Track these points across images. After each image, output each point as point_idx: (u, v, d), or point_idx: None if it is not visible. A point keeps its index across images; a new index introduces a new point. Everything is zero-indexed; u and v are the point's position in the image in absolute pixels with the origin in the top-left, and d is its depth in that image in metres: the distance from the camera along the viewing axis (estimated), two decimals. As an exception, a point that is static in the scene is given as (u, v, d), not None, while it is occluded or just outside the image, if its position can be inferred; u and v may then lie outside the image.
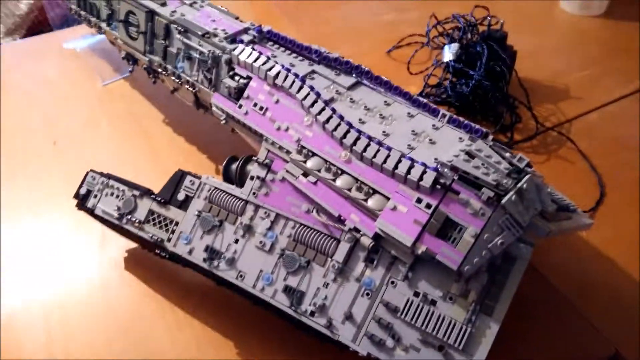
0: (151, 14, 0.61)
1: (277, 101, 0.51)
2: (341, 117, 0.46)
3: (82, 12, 0.72)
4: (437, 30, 0.92)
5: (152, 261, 0.60)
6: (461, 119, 0.46)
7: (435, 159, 0.42)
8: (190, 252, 0.50)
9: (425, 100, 0.48)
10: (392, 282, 0.43)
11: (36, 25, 1.62)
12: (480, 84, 0.73)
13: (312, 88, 0.48)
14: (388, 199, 0.43)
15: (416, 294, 0.42)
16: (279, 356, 0.51)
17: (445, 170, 0.41)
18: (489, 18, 0.79)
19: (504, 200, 0.39)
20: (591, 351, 0.52)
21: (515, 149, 0.73)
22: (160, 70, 0.63)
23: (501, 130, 0.76)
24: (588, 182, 0.69)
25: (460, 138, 0.45)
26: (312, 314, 0.44)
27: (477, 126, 0.45)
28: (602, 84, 0.87)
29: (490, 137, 0.44)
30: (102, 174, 0.57)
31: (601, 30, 1.00)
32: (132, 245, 0.62)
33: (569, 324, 0.54)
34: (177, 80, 0.61)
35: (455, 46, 0.78)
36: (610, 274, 0.59)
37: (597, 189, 0.68)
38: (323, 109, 0.47)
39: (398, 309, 0.42)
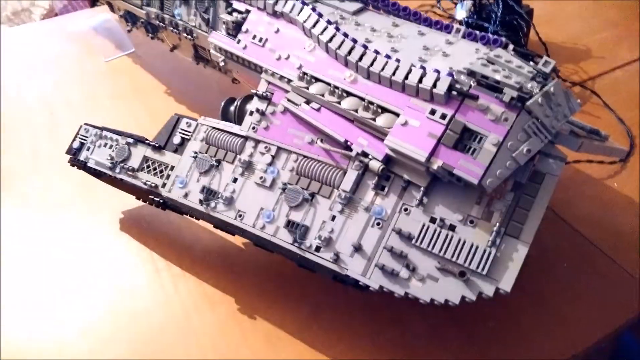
0: (148, -38, 0.58)
1: (277, 30, 0.47)
2: (345, 35, 0.42)
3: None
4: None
5: (149, 222, 0.57)
6: (477, 32, 0.42)
7: (450, 67, 0.38)
8: (185, 195, 0.46)
9: (437, 19, 0.44)
10: (406, 209, 0.38)
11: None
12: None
13: (314, 9, 0.45)
14: (398, 116, 0.39)
15: (432, 220, 0.37)
16: (283, 305, 0.47)
17: (462, 76, 0.37)
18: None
19: (529, 102, 0.34)
20: (627, 297, 0.47)
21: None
22: (158, 22, 0.60)
23: (520, 89, 0.71)
24: (617, 134, 0.64)
25: (477, 49, 0.40)
26: (318, 249, 0.40)
27: (495, 36, 0.41)
28: (624, 44, 0.82)
29: (511, 46, 0.40)
30: (96, 127, 0.54)
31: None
32: (128, 207, 0.58)
33: (604, 274, 0.49)
34: (175, 30, 0.58)
35: (468, 3, 0.74)
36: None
37: (626, 140, 0.63)
38: (325, 28, 0.43)
39: (412, 236, 0.37)
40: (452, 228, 0.37)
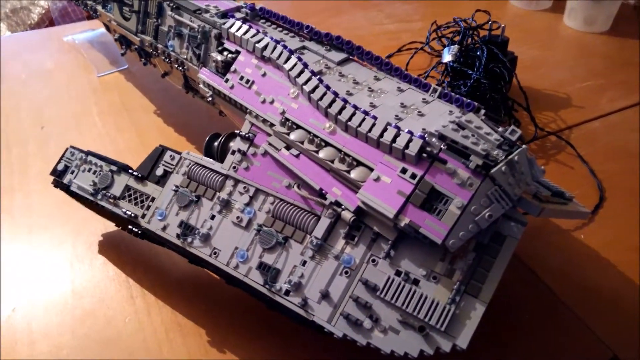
0: (144, -7, 0.60)
1: (264, 74, 0.49)
2: (327, 87, 0.44)
3: (79, -5, 0.71)
4: (437, 35, 0.91)
5: (128, 246, 0.58)
6: (453, 93, 0.44)
7: (423, 129, 0.40)
8: (164, 228, 0.48)
9: (416, 76, 0.46)
10: (373, 260, 0.40)
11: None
12: (479, 85, 0.72)
13: (299, 59, 0.46)
14: (372, 170, 0.40)
15: (398, 273, 0.39)
16: (252, 341, 0.48)
17: (433, 139, 0.39)
18: (490, 22, 0.78)
19: (493, 170, 0.36)
20: (589, 356, 0.49)
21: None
22: (151, 50, 0.62)
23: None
24: (587, 186, 0.66)
25: (451, 111, 0.43)
26: (287, 292, 0.41)
27: (469, 100, 0.43)
28: (604, 95, 0.85)
29: (482, 111, 0.42)
30: (81, 150, 0.55)
31: (604, 45, 0.99)
32: (109, 230, 0.59)
33: (567, 329, 0.51)
34: (167, 60, 0.60)
35: (454, 48, 0.77)
36: (609, 278, 0.55)
37: (596, 193, 0.65)
38: (309, 79, 0.45)
39: (377, 287, 0.39)
40: (415, 282, 0.38)
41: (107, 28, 0.75)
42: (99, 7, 0.68)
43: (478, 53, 0.74)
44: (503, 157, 0.37)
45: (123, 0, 0.63)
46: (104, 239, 0.59)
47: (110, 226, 0.59)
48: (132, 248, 0.58)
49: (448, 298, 0.37)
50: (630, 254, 0.57)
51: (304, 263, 0.42)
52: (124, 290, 0.54)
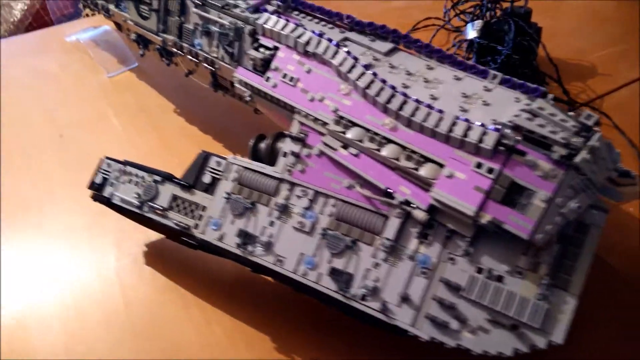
0: (164, -11, 0.57)
1: (309, 70, 0.47)
2: (384, 81, 0.42)
3: (88, -5, 0.68)
4: (455, 11, 0.88)
5: (174, 254, 0.56)
6: (514, 79, 0.42)
7: (494, 120, 0.39)
8: (220, 238, 0.46)
9: (472, 63, 0.44)
10: (451, 259, 0.39)
11: (34, 28, 1.59)
12: (509, 60, 0.70)
13: (348, 53, 0.44)
14: (442, 166, 0.39)
15: (479, 270, 0.38)
16: (325, 349, 0.47)
17: (507, 130, 0.37)
18: (512, -7, 0.76)
19: (577, 159, 0.35)
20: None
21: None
22: (175, 50, 0.59)
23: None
24: (627, 156, 0.66)
25: (517, 98, 0.41)
26: (364, 297, 0.40)
27: (535, 85, 0.41)
28: (626, 60, 0.83)
29: (551, 96, 0.40)
30: (118, 161, 0.53)
31: (617, 11, 0.97)
32: (152, 239, 0.58)
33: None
34: (195, 59, 0.57)
35: (478, 23, 0.75)
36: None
37: (636, 163, 0.65)
38: (363, 74, 0.43)
39: (461, 287, 0.38)
40: (499, 279, 0.37)
41: (119, 27, 0.71)
42: (112, 7, 0.65)
43: (505, 27, 0.72)
44: (583, 143, 0.36)
45: (140, -2, 0.60)
46: (148, 249, 0.57)
47: (152, 235, 0.57)
48: (178, 256, 0.56)
49: (537, 293, 0.36)
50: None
51: (377, 265, 0.41)
52: (178, 300, 0.52)
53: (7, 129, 0.75)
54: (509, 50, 0.70)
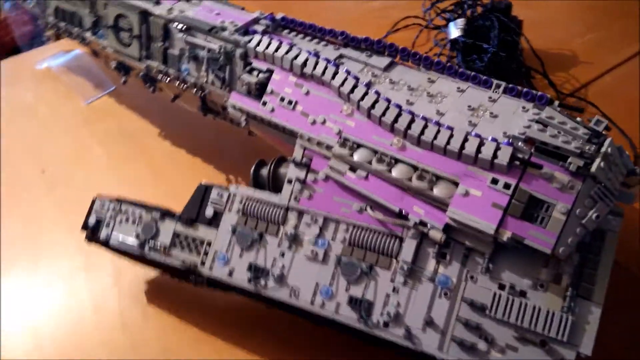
0: (145, 15, 0.55)
1: (308, 92, 0.45)
2: (388, 100, 0.41)
3: (61, 24, 0.64)
4: (434, 11, 0.88)
5: (176, 289, 0.54)
6: (518, 87, 0.42)
7: (504, 132, 0.38)
8: (230, 273, 0.45)
9: (473, 73, 0.44)
10: (472, 277, 0.38)
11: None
12: (496, 57, 0.70)
13: (348, 72, 0.43)
14: (455, 184, 0.38)
15: (501, 287, 0.37)
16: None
17: (520, 143, 0.37)
18: (490, -12, 0.76)
19: (593, 168, 0.35)
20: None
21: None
22: (160, 76, 0.57)
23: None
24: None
25: (524, 107, 0.40)
26: (386, 324, 0.39)
27: (540, 92, 0.41)
28: (606, 46, 0.84)
29: (557, 102, 0.40)
30: (111, 199, 0.51)
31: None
32: (152, 275, 0.56)
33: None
34: (182, 85, 0.55)
35: (461, 21, 0.74)
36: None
37: (630, 152, 0.65)
38: (366, 94, 0.42)
39: (485, 306, 0.37)
40: (523, 294, 0.37)
41: (95, 53, 0.68)
42: (88, 35, 0.62)
43: (487, 23, 0.72)
44: (596, 151, 0.35)
45: (118, 25, 0.57)
46: (149, 286, 0.55)
47: (150, 271, 0.55)
48: (181, 291, 0.54)
49: (562, 306, 0.36)
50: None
51: (396, 290, 0.40)
52: (186, 338, 0.51)
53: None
54: (495, 48, 0.69)
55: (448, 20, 0.78)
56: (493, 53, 0.69)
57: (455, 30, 0.75)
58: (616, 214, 0.37)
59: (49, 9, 0.66)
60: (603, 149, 0.36)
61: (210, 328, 0.51)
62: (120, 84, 0.81)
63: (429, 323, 0.38)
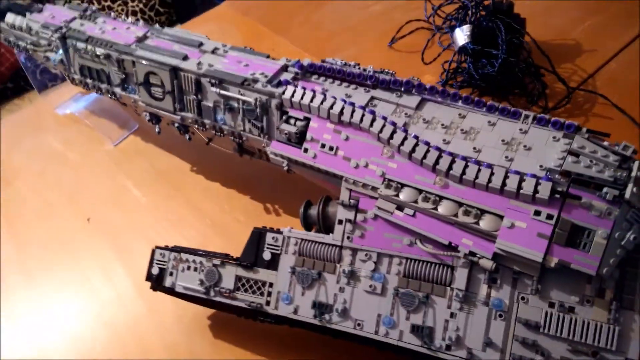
0: (175, 71, 0.57)
1: (347, 138, 0.48)
2: (427, 143, 0.44)
3: (89, 81, 0.67)
4: (438, 15, 0.90)
5: (239, 322, 0.58)
6: (546, 116, 0.45)
7: (541, 166, 0.41)
8: (295, 311, 0.49)
9: (500, 104, 0.47)
10: (523, 298, 0.42)
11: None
12: (505, 61, 0.72)
13: (384, 118, 0.46)
14: (500, 217, 0.42)
15: (551, 305, 0.41)
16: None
17: (557, 176, 0.40)
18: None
19: (627, 195, 0.38)
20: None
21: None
22: (196, 126, 0.60)
23: (530, 101, 0.76)
24: (631, 134, 0.69)
25: (554, 137, 0.44)
26: (449, 347, 0.43)
27: (568, 121, 0.44)
28: (607, 30, 0.87)
29: (584, 129, 0.43)
30: (168, 248, 0.55)
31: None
32: (209, 311, 0.59)
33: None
34: (219, 134, 0.58)
35: (467, 27, 0.77)
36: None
37: (637, 140, 0.68)
38: (405, 138, 0.45)
39: (538, 324, 0.41)
40: (571, 310, 0.41)
41: (124, 104, 0.71)
42: (118, 90, 0.65)
43: (488, 24, 0.74)
44: (627, 176, 0.39)
45: (149, 81, 0.60)
46: (212, 321, 0.59)
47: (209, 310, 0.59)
48: (243, 322, 0.58)
49: (607, 318, 0.40)
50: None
51: (454, 315, 0.44)
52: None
53: (34, 223, 0.74)
54: (504, 54, 0.72)
55: (452, 27, 0.80)
56: (503, 58, 0.72)
57: (462, 37, 0.77)
58: (647, 227, 0.41)
59: (73, 67, 0.68)
60: (633, 174, 0.39)
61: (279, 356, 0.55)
62: (142, 122, 0.84)
63: (488, 344, 0.42)
